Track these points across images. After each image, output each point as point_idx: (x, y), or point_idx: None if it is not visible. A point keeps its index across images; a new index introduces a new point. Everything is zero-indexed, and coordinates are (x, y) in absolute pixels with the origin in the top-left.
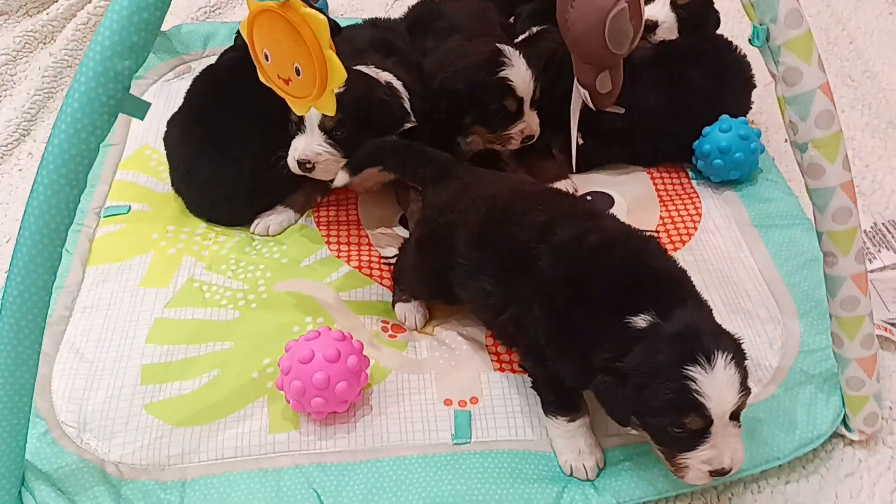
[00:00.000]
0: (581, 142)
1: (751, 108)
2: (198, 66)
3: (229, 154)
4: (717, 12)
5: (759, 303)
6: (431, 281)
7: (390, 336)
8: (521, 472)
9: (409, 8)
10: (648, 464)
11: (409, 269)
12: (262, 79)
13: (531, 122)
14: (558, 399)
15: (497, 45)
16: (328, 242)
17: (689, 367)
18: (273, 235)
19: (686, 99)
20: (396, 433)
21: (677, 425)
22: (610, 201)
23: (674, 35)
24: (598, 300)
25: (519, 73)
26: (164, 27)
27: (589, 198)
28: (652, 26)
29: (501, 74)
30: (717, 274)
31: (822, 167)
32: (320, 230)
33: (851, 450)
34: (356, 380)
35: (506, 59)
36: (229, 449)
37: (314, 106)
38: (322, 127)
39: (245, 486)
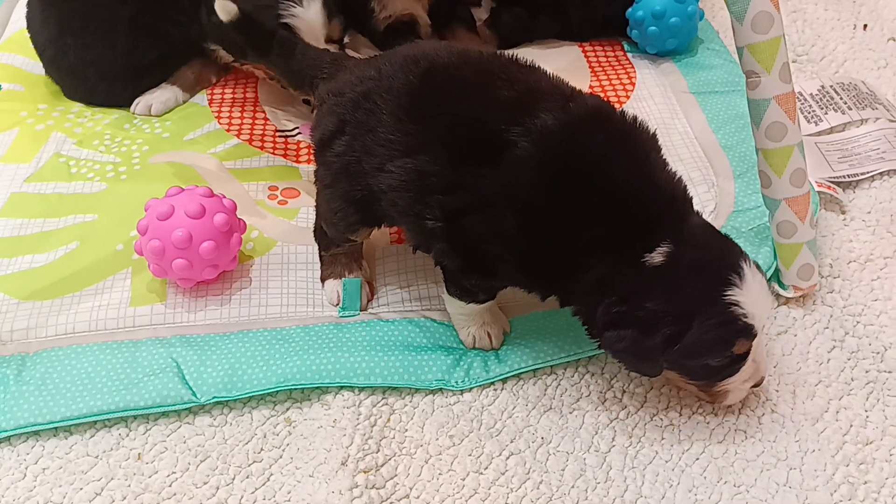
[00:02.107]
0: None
1: None
2: None
3: (96, 29)
4: None
5: (693, 166)
6: (351, 199)
7: (280, 203)
8: (415, 341)
9: None
10: (555, 327)
11: (322, 204)
12: None
13: None
14: (480, 298)
15: None
16: (218, 118)
17: (728, 292)
18: (156, 116)
19: None
20: (276, 306)
21: (723, 356)
22: None
23: None
24: (601, 225)
25: None
26: None
27: None
28: None
29: None
30: None
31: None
32: (211, 106)
33: (786, 309)
34: (225, 241)
35: None
36: (82, 323)
37: None
38: None
39: (94, 357)
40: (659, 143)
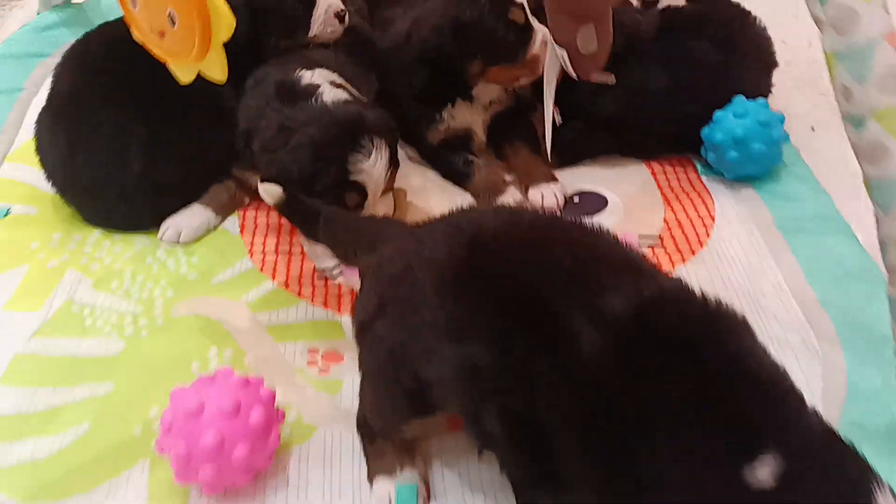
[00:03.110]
0: (559, 121)
1: (770, 91)
2: None
3: (109, 148)
4: None
5: (791, 327)
6: (398, 389)
7: (320, 371)
8: None
9: None
10: None
11: (366, 393)
12: (134, 35)
13: (542, 27)
14: None
15: None
16: (251, 252)
17: None
18: (185, 243)
19: (692, 77)
20: None
21: None
22: (602, 202)
23: None
24: (686, 434)
25: None
26: None
27: (576, 200)
28: None
29: None
30: (738, 291)
31: (885, 147)
32: (244, 237)
33: None
34: (262, 442)
35: None
36: None
37: (202, 70)
38: None
39: None
40: (752, 329)
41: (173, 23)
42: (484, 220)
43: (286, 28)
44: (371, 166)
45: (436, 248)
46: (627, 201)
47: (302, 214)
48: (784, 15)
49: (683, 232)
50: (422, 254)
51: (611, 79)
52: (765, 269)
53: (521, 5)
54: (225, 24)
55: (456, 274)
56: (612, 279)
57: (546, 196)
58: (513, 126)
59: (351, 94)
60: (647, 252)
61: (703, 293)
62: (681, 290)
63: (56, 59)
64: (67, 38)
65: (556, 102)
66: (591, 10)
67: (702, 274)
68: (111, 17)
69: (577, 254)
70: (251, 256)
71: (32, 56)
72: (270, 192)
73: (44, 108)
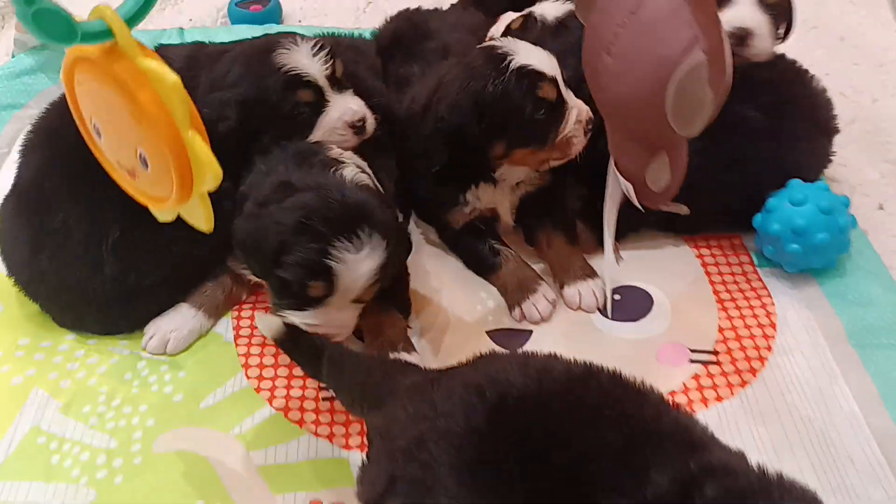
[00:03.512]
0: (620, 261)
1: (830, 161)
2: None
3: (77, 247)
4: (791, 14)
5: (870, 475)
6: None
7: None
8: None
9: (385, 21)
10: None
11: None
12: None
13: (577, 103)
14: None
15: (490, 42)
16: (246, 367)
17: None
18: (173, 354)
19: (733, 144)
20: None
21: None
22: (647, 302)
23: (769, 48)
24: None
25: (533, 53)
26: None
27: (618, 297)
28: (743, 36)
29: (517, 63)
30: (805, 423)
31: None
32: (238, 346)
33: None
34: None
35: (509, 48)
36: None
37: (181, 213)
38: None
39: None
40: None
41: (145, 165)
42: (509, 380)
43: (283, 129)
44: (354, 262)
45: (453, 416)
46: (676, 301)
47: (304, 351)
48: (843, 62)
49: (741, 345)
50: (437, 424)
51: (684, 209)
52: (835, 395)
53: (554, 79)
54: (210, 174)
55: (476, 453)
56: (660, 454)
57: (584, 296)
58: (546, 208)
59: (374, 185)
60: (702, 371)
61: (761, 467)
62: (738, 468)
63: (32, 111)
64: (44, 85)
65: (585, 167)
66: (663, 139)
67: (763, 401)
68: None
69: (619, 424)
70: (246, 372)
71: (4, 108)
72: (269, 324)
73: (8, 194)
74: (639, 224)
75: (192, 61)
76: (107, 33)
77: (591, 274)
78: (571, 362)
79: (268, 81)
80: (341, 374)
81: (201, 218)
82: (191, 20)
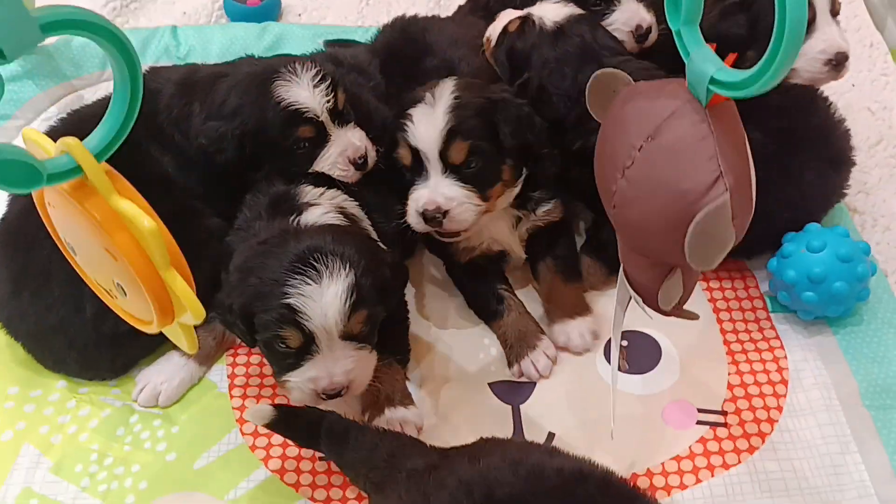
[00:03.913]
0: (625, 368)
1: (844, 194)
2: (93, 96)
3: (58, 288)
4: None
5: None
6: None
7: None
8: None
9: (379, 31)
10: None
11: None
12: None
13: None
14: None
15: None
16: (241, 421)
17: None
18: (165, 407)
19: None
20: None
21: None
22: (655, 353)
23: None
24: None
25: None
26: (47, 41)
27: (625, 343)
28: (840, 61)
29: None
30: (813, 494)
31: None
32: (233, 397)
33: None
34: None
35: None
36: None
37: (165, 332)
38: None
39: None
40: None
41: (123, 293)
42: (498, 479)
43: (282, 162)
44: (316, 293)
45: None
46: (685, 352)
47: (300, 430)
48: (872, 72)
49: (751, 405)
50: None
51: (696, 316)
52: (847, 464)
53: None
54: (193, 313)
55: None
56: None
57: (572, 336)
58: (551, 240)
59: (352, 221)
60: (709, 434)
61: None
62: None
63: (19, 122)
64: (32, 92)
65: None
66: (677, 262)
67: (771, 470)
68: (85, 63)
69: None
70: (241, 427)
71: None
72: (257, 414)
73: None
74: None
75: (184, 88)
76: (75, 170)
77: (583, 312)
78: (565, 462)
79: (267, 115)
80: (343, 450)
81: (184, 343)
82: (185, 13)
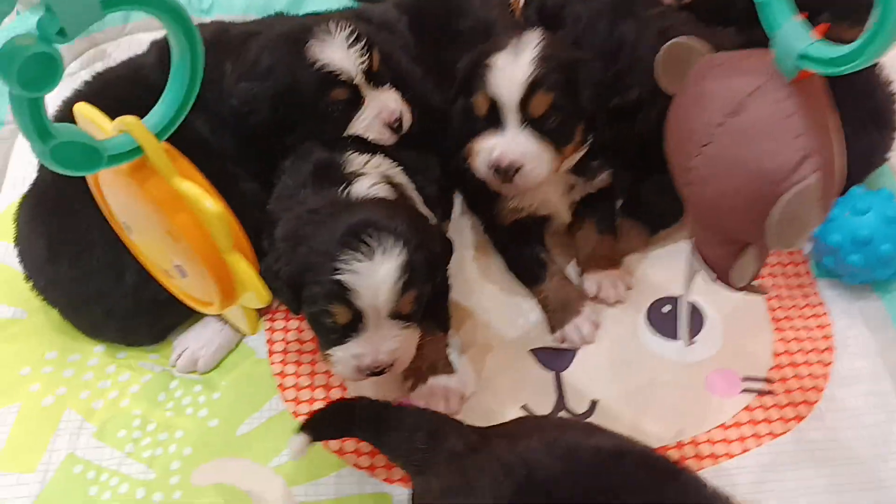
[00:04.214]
0: (692, 340)
1: (888, 157)
2: (115, 51)
3: (97, 255)
4: None
5: None
6: None
7: None
8: None
9: None
10: None
11: None
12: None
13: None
14: None
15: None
16: (282, 388)
17: None
18: (204, 373)
19: None
20: None
21: None
22: (698, 317)
23: None
24: None
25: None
26: None
27: (665, 310)
28: None
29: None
30: (859, 465)
31: None
32: (273, 365)
33: None
34: None
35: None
36: None
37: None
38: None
39: None
40: None
41: (183, 274)
42: (536, 461)
43: (317, 125)
44: (368, 270)
45: (482, 493)
46: (728, 318)
47: (336, 428)
48: None
49: (796, 373)
50: (469, 497)
51: (766, 291)
52: (894, 433)
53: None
54: (258, 297)
55: None
56: None
57: (603, 287)
58: (595, 204)
59: (401, 192)
60: (754, 402)
61: None
62: None
63: None
64: None
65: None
66: (755, 240)
67: (817, 440)
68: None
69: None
70: (282, 393)
71: None
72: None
73: (26, 195)
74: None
75: (215, 47)
76: (136, 151)
77: (615, 264)
78: (603, 439)
79: (300, 76)
80: (381, 434)
81: (244, 325)
82: None
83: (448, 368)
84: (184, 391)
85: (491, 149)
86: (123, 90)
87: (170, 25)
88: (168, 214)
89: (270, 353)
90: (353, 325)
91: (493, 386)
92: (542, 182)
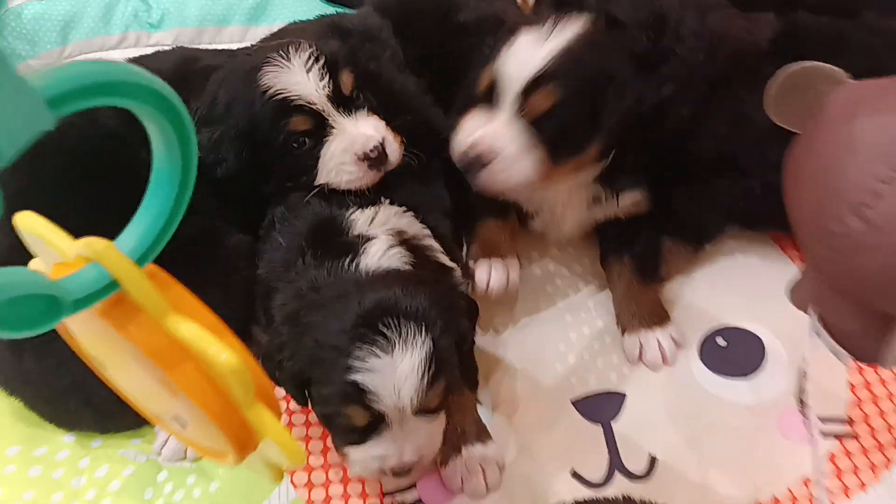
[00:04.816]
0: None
1: None
2: None
3: (66, 348)
4: None
5: None
6: None
7: None
8: None
9: None
10: None
11: None
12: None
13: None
14: None
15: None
16: (291, 471)
17: None
18: (197, 459)
19: None
20: None
21: None
22: (758, 351)
23: None
24: None
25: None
26: None
27: (721, 341)
28: None
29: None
30: None
31: None
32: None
33: None
34: None
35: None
36: None
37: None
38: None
39: None
40: None
41: (182, 424)
42: None
43: (285, 169)
44: (388, 367)
45: None
46: (793, 349)
47: None
48: None
49: (879, 408)
50: None
51: None
52: None
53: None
54: (291, 457)
55: None
56: None
57: (647, 348)
58: (632, 235)
59: (417, 249)
60: (837, 448)
61: None
62: None
63: None
64: None
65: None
66: None
67: None
68: (41, 40)
69: None
70: (292, 478)
71: None
72: None
73: None
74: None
75: (178, 84)
76: (111, 286)
77: (662, 321)
78: None
79: (257, 110)
80: None
81: (267, 473)
82: None
83: (483, 434)
84: (175, 484)
85: (468, 129)
86: (79, 142)
87: (153, 116)
88: (163, 367)
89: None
90: (374, 426)
91: (533, 448)
92: (534, 186)
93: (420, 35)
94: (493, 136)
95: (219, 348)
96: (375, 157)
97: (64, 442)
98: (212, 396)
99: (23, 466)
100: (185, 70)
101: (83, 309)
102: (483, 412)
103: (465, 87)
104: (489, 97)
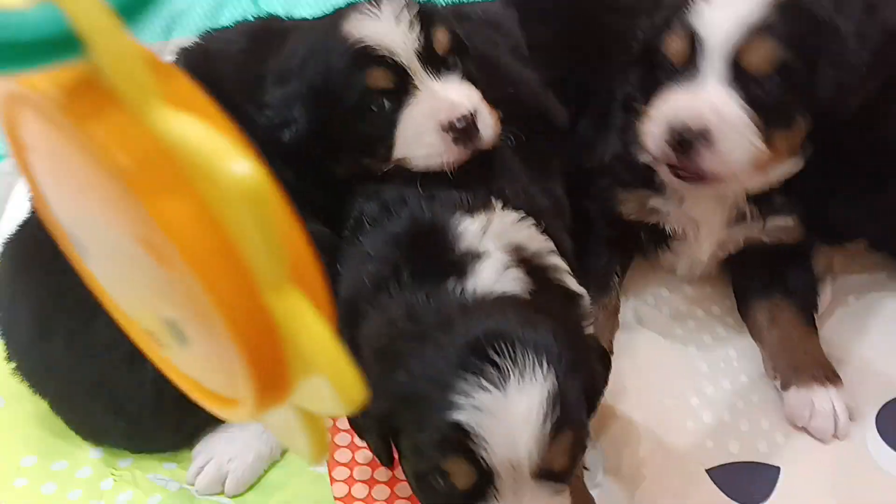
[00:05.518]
0: None
1: None
2: None
3: (102, 330)
4: None
5: None
6: None
7: None
8: None
9: None
10: None
11: None
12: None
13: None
14: None
15: None
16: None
17: None
18: (233, 496)
19: None
20: None
21: None
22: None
23: None
24: None
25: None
26: None
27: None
28: None
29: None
30: None
31: None
32: (334, 480)
33: None
34: None
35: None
36: None
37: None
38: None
39: None
40: None
41: (181, 339)
42: None
43: (358, 139)
44: (501, 405)
45: None
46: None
47: None
48: None
49: None
50: None
51: None
52: None
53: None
54: (341, 391)
55: None
56: None
57: (820, 410)
58: (783, 270)
59: (540, 270)
60: None
61: None
62: None
63: None
64: None
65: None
66: None
67: None
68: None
69: None
70: None
71: None
72: None
73: (8, 242)
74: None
75: (256, 43)
76: (70, 44)
77: (834, 379)
78: None
79: (334, 62)
80: None
81: (304, 444)
82: None
83: None
84: None
85: (674, 106)
86: None
87: None
88: (136, 190)
89: (332, 465)
90: (480, 489)
91: None
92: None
93: (547, 30)
94: (712, 108)
95: (230, 155)
96: (463, 129)
97: (89, 458)
98: (217, 260)
99: (36, 481)
100: (264, 31)
101: (15, 67)
102: (596, 477)
103: (643, 68)
104: (686, 65)
